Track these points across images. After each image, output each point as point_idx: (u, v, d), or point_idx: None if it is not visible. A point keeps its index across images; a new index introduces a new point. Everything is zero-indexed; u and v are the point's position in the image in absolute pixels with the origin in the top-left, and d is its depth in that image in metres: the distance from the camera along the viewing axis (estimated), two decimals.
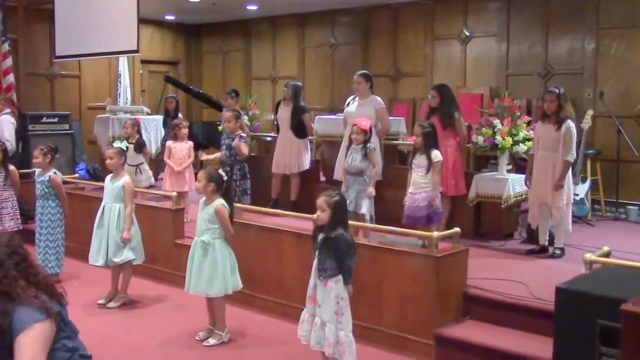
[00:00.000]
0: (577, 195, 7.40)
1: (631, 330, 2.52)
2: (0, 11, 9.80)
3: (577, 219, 7.31)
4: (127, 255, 5.63)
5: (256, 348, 4.93)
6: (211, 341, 4.93)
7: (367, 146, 5.91)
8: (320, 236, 4.12)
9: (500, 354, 4.31)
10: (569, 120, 5.78)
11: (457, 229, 4.98)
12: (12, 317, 2.23)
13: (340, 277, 4.04)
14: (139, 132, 8.16)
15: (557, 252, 5.95)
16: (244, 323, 5.36)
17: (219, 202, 4.83)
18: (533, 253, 6.06)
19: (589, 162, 8.00)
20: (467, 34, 9.93)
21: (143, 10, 8.76)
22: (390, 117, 7.43)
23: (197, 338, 4.99)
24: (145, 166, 7.97)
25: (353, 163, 5.92)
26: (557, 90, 5.85)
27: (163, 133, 9.56)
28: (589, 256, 3.96)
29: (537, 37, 9.24)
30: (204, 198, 4.93)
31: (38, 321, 2.24)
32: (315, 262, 4.14)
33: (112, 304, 5.73)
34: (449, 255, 4.76)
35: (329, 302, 4.03)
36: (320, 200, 4.08)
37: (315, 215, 4.20)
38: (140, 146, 7.90)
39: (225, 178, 4.92)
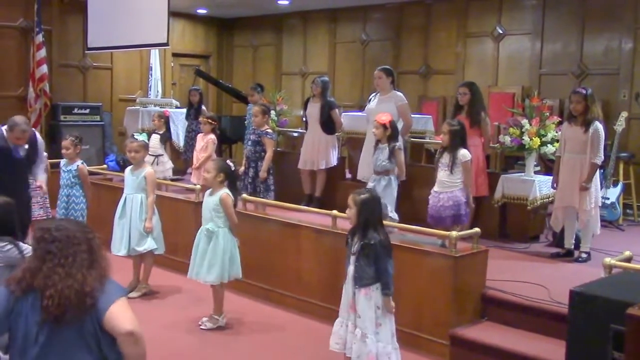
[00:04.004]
0: (608, 199, 7.22)
1: (635, 334, 2.46)
2: (36, 3, 10.00)
3: (608, 223, 7.12)
4: (150, 244, 5.69)
5: (261, 336, 4.99)
6: (207, 324, 5.05)
7: (392, 144, 5.75)
8: (356, 241, 3.92)
9: (514, 357, 4.25)
10: (596, 121, 5.63)
11: (477, 230, 4.91)
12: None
13: (378, 284, 3.85)
14: (166, 124, 8.22)
15: (583, 255, 5.81)
16: (258, 316, 5.39)
17: (224, 191, 4.93)
18: (558, 256, 5.93)
19: (621, 165, 7.79)
20: (501, 31, 9.76)
21: (175, 4, 8.83)
22: (417, 115, 7.34)
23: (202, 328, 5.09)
24: (165, 158, 8.03)
25: (379, 162, 5.82)
26: (584, 91, 5.71)
27: (185, 125, 9.61)
28: (608, 260, 3.88)
29: (572, 36, 9.03)
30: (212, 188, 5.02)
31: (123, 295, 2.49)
32: (350, 269, 3.93)
33: (133, 294, 5.78)
34: (467, 256, 4.69)
35: (368, 311, 3.85)
36: (349, 198, 3.99)
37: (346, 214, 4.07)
38: (165, 139, 7.96)
39: (233, 169, 5.03)
